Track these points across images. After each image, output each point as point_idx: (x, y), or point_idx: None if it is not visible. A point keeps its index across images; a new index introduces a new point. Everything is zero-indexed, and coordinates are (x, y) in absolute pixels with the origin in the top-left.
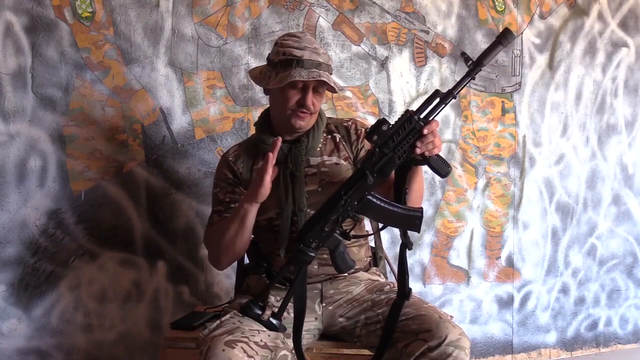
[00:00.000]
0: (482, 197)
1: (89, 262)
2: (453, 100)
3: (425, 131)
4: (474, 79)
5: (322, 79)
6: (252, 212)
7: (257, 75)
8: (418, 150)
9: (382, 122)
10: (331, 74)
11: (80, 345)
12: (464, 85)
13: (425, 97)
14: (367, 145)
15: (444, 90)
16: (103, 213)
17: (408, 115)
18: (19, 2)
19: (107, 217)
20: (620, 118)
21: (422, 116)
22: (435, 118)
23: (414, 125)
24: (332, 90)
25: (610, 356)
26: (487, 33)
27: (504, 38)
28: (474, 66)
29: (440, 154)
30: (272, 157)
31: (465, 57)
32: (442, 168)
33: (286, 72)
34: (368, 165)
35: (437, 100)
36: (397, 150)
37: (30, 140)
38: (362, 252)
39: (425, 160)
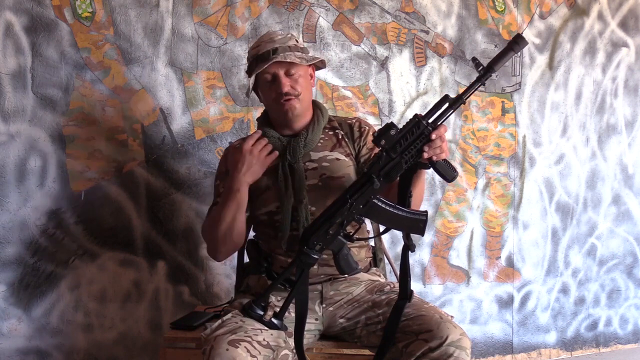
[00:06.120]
0: (482, 197)
1: (89, 262)
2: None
3: (434, 136)
4: (484, 85)
5: (275, 60)
6: (245, 191)
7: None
8: (425, 155)
9: (390, 126)
10: (301, 51)
11: (80, 345)
12: (474, 91)
13: (424, 97)
14: (370, 142)
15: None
16: (103, 213)
17: (416, 120)
18: (19, 2)
19: (107, 217)
20: (620, 118)
21: (430, 121)
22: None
23: (422, 129)
24: (300, 60)
25: (610, 356)
26: (487, 33)
27: (515, 44)
28: (485, 72)
29: None
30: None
31: (476, 62)
32: (448, 173)
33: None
34: (375, 170)
35: (446, 105)
36: (405, 154)
37: (30, 140)
38: (363, 253)
39: (432, 164)
